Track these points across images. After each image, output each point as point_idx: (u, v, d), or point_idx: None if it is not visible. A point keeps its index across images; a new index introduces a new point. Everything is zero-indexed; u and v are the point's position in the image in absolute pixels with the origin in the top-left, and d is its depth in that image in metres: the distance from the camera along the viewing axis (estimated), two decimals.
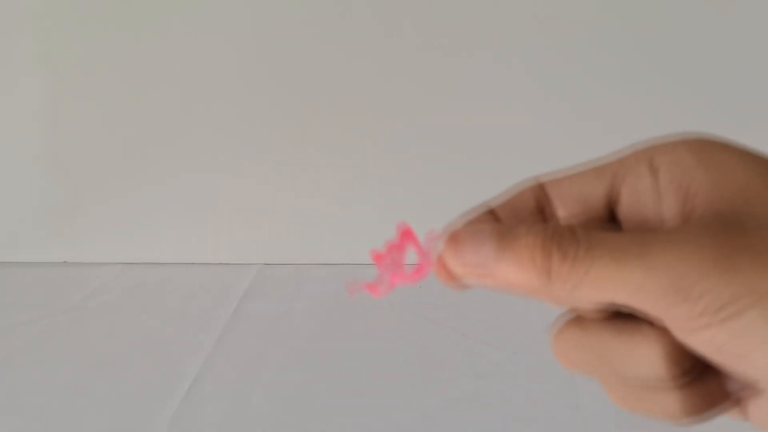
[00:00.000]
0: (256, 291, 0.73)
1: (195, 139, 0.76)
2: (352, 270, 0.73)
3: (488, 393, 0.55)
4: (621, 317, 0.19)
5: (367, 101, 0.73)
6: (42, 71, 0.74)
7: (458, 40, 0.71)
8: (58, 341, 0.64)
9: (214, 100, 0.74)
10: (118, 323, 0.67)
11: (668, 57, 0.70)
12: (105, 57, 0.73)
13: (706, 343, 0.17)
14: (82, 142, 0.77)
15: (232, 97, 0.74)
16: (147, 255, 0.80)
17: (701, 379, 0.19)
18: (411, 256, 0.22)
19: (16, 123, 0.76)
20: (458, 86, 0.72)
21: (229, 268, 0.79)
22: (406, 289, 0.82)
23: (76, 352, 0.62)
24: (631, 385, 0.19)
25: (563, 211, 0.22)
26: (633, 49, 0.71)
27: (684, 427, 0.19)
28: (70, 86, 0.74)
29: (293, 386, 0.57)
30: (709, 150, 0.19)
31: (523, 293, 0.19)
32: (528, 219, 0.22)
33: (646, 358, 0.18)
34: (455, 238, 0.20)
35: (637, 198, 0.20)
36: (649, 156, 0.20)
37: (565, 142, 0.67)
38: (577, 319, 0.20)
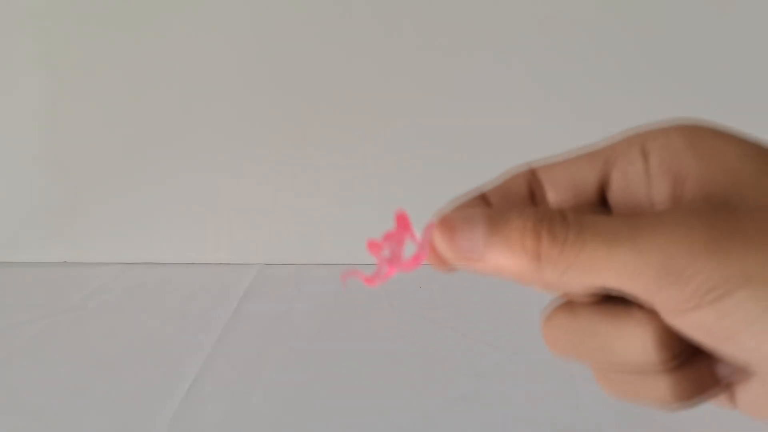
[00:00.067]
0: (256, 291, 0.73)
1: (195, 139, 0.76)
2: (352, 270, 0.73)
3: (488, 393, 0.55)
4: (611, 301, 0.19)
5: (367, 101, 0.73)
6: (42, 71, 0.74)
7: (458, 40, 0.71)
8: (58, 341, 0.64)
9: (214, 100, 0.74)
10: (118, 323, 0.67)
11: (668, 57, 0.70)
12: (105, 57, 0.73)
13: (695, 325, 0.17)
14: (82, 142, 0.77)
15: (232, 97, 0.74)
16: (147, 255, 0.80)
17: (691, 364, 0.19)
18: (407, 244, 0.22)
19: (16, 123, 0.76)
20: (458, 86, 0.72)
21: (229, 268, 0.79)
22: (406, 289, 0.82)
23: (76, 352, 0.62)
24: (621, 370, 0.19)
25: (555, 196, 0.22)
26: (633, 49, 0.71)
27: (673, 412, 0.19)
28: (70, 86, 0.74)
29: (293, 386, 0.57)
30: (700, 135, 0.19)
31: (514, 278, 0.19)
32: (519, 204, 0.22)
33: (636, 341, 0.18)
34: (446, 222, 0.20)
35: (628, 182, 0.21)
36: (640, 141, 0.20)
37: (565, 142, 0.66)
38: (568, 304, 0.20)
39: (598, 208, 0.22)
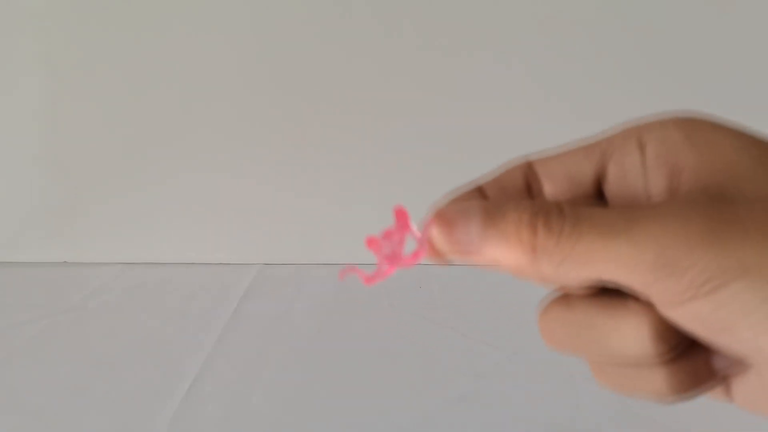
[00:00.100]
0: (256, 291, 0.73)
1: (195, 139, 0.76)
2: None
3: (488, 393, 0.55)
4: (607, 294, 0.19)
5: (367, 101, 0.73)
6: (42, 71, 0.74)
7: (458, 40, 0.71)
8: (58, 341, 0.64)
9: (214, 100, 0.74)
10: (118, 323, 0.67)
11: (668, 57, 0.70)
12: (105, 57, 0.73)
13: (691, 317, 0.17)
14: (82, 142, 0.77)
15: (232, 97, 0.74)
16: (147, 255, 0.80)
17: (687, 357, 0.18)
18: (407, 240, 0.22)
19: (16, 123, 0.76)
20: (458, 86, 0.72)
21: (229, 268, 0.79)
22: (406, 289, 0.81)
23: (76, 352, 0.62)
24: (617, 362, 0.19)
25: (551, 188, 0.22)
26: (633, 49, 0.71)
27: (669, 405, 0.19)
28: (70, 86, 0.74)
29: (293, 386, 0.57)
30: (697, 127, 0.19)
31: (511, 271, 0.19)
32: (515, 197, 0.22)
33: (632, 333, 0.18)
34: (442, 215, 0.20)
35: (624, 175, 0.20)
36: (637, 134, 0.20)
37: (565, 142, 0.67)
38: (564, 297, 0.20)
39: (594, 201, 0.22)
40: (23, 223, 0.80)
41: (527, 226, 0.18)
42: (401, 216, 0.21)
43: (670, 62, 0.70)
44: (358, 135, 0.75)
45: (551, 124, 0.72)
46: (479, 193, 0.22)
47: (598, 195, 0.22)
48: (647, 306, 0.18)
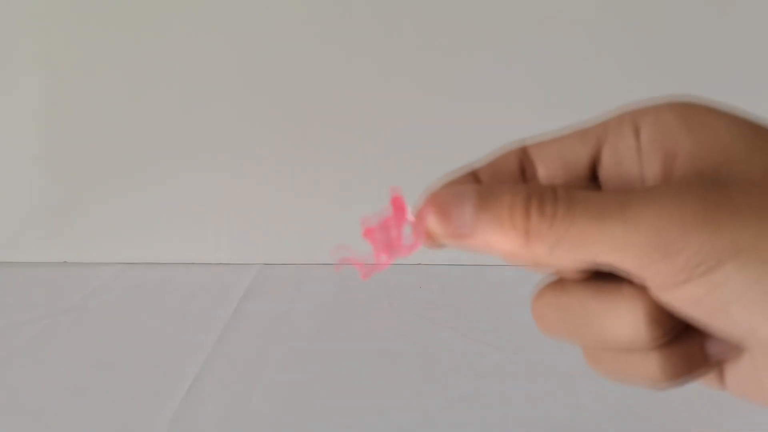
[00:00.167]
0: (256, 291, 0.73)
1: (195, 139, 0.76)
2: (352, 270, 0.73)
3: (488, 393, 0.55)
4: (601, 278, 0.19)
5: (367, 101, 0.73)
6: (42, 71, 0.74)
7: (458, 40, 0.71)
8: (58, 341, 0.64)
9: (214, 100, 0.74)
10: (118, 323, 0.67)
11: (668, 57, 0.70)
12: (105, 57, 0.73)
13: (685, 299, 0.17)
14: (82, 142, 0.77)
15: (232, 97, 0.74)
16: (147, 255, 0.80)
17: (681, 342, 0.18)
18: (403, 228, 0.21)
19: (16, 123, 0.76)
20: (458, 86, 0.72)
21: (229, 268, 0.79)
22: (406, 289, 0.81)
23: (76, 352, 0.62)
24: (611, 347, 0.19)
25: (546, 173, 0.22)
26: (633, 49, 0.71)
27: (663, 390, 0.19)
28: (70, 86, 0.74)
29: (293, 386, 0.57)
30: (692, 112, 0.19)
31: (504, 255, 0.19)
32: (509, 180, 0.22)
33: (626, 317, 0.18)
34: (436, 198, 0.20)
35: (619, 159, 0.20)
36: (632, 118, 0.20)
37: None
38: (558, 282, 0.20)
39: (589, 185, 0.21)
40: (23, 223, 0.80)
41: (521, 210, 0.18)
42: (398, 203, 0.21)
43: (670, 62, 0.70)
44: (358, 135, 0.75)
45: (551, 124, 0.72)
46: (473, 177, 0.22)
47: (592, 179, 0.22)
48: (641, 290, 0.18)
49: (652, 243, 0.16)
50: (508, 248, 0.18)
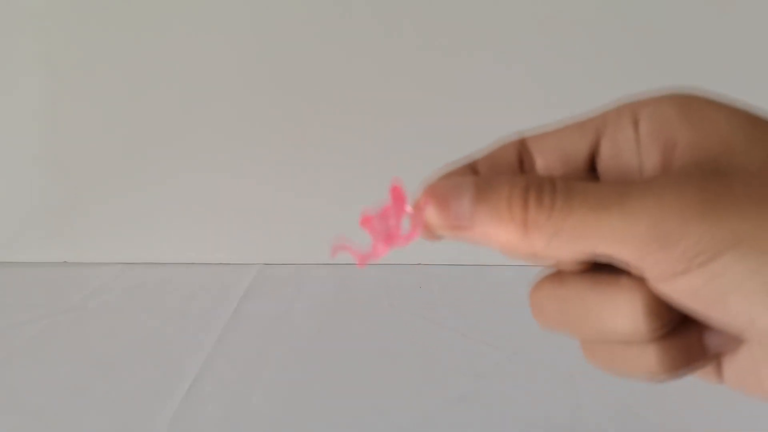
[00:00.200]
0: (256, 291, 0.73)
1: (195, 139, 0.76)
2: (352, 270, 0.73)
3: (488, 393, 0.55)
4: (599, 270, 0.19)
5: (367, 101, 0.73)
6: (42, 71, 0.74)
7: (458, 40, 0.71)
8: (58, 341, 0.64)
9: (214, 100, 0.74)
10: (118, 323, 0.67)
11: (668, 57, 0.70)
12: (105, 57, 0.73)
13: (684, 290, 0.17)
14: (82, 142, 0.77)
15: (232, 97, 0.74)
16: (147, 255, 0.80)
17: (679, 334, 0.18)
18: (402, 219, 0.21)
19: (16, 123, 0.76)
20: (458, 86, 0.72)
21: (229, 268, 0.79)
22: (406, 289, 0.81)
23: (76, 352, 0.62)
24: (609, 340, 0.19)
25: (544, 165, 0.22)
26: (633, 49, 0.71)
27: (661, 383, 0.19)
28: (70, 86, 0.74)
29: (293, 386, 0.57)
30: (691, 103, 0.19)
31: (502, 247, 0.19)
32: (507, 172, 0.22)
33: (624, 309, 0.18)
34: (434, 190, 0.20)
35: (618, 150, 0.20)
36: (631, 109, 0.20)
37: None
38: (556, 274, 0.20)
39: (587, 177, 0.21)
40: (23, 223, 0.80)
41: (519, 201, 0.18)
42: (397, 194, 0.21)
43: (670, 62, 0.70)
44: (358, 135, 0.75)
45: (551, 124, 0.72)
46: (472, 169, 0.22)
47: (591, 171, 0.21)
48: (640, 282, 0.18)
49: (650, 234, 0.16)
50: (506, 240, 0.18)
